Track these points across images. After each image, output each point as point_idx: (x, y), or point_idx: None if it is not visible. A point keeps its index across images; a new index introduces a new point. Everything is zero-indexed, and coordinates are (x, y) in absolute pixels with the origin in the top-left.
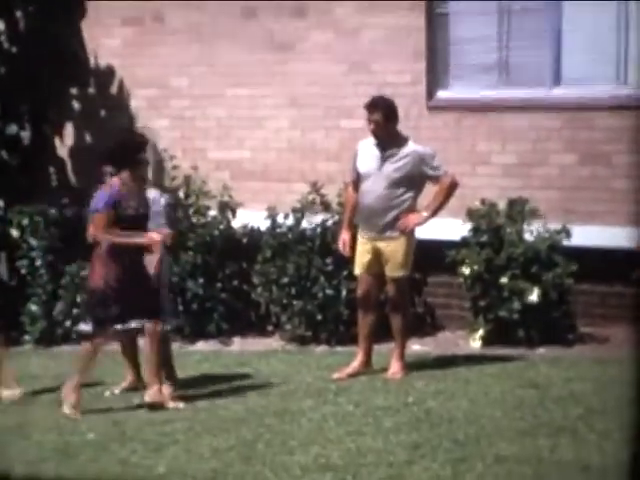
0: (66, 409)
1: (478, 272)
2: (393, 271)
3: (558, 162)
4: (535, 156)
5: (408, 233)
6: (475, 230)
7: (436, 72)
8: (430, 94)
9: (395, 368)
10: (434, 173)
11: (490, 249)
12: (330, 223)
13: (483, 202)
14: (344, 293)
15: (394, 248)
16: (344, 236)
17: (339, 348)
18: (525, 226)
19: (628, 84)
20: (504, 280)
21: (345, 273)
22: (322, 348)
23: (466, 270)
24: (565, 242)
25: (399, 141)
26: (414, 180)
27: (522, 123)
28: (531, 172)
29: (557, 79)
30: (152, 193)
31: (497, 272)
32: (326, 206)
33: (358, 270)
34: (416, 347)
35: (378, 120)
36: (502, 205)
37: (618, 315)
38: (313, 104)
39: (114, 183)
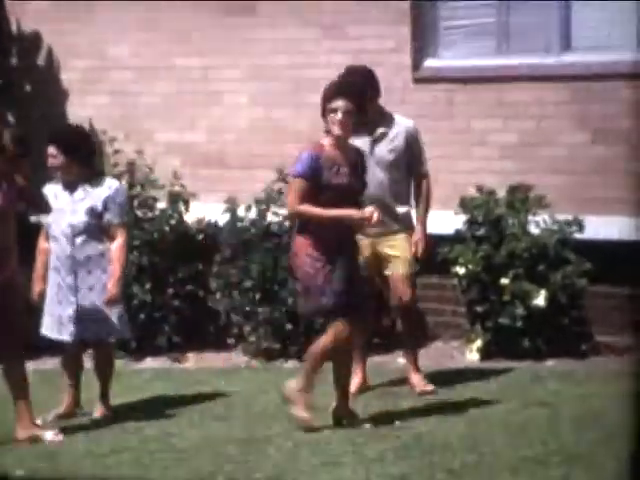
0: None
1: (475, 272)
2: (402, 268)
3: (568, 141)
4: (540, 135)
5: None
6: (470, 222)
7: (423, 37)
8: (416, 64)
9: (421, 381)
10: (421, 169)
11: (488, 245)
12: None
13: (480, 189)
14: None
15: (402, 242)
16: None
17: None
18: (530, 217)
19: None
20: (505, 281)
21: None
22: (292, 363)
23: (461, 270)
24: (577, 236)
25: (386, 118)
26: (409, 162)
27: (525, 96)
28: (536, 153)
29: (566, 45)
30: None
31: (497, 272)
32: None
33: None
34: (403, 360)
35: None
36: (502, 193)
37: None
38: (279, 76)
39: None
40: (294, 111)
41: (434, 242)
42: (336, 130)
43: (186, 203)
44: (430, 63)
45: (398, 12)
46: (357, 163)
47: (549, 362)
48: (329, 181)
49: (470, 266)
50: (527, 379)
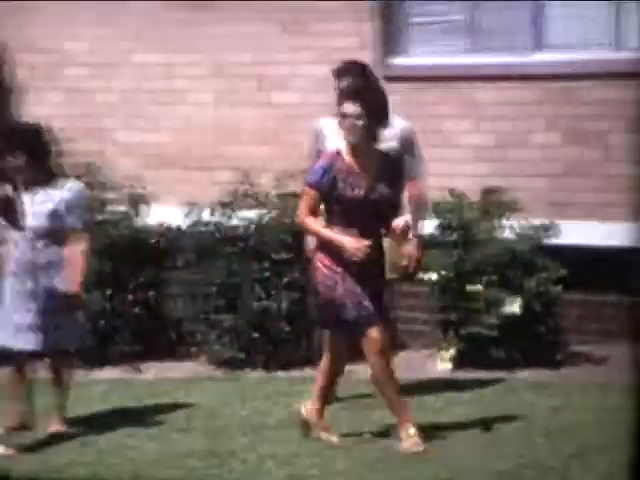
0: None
1: (447, 278)
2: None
3: (541, 143)
4: (513, 136)
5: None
6: (442, 227)
7: (391, 34)
8: (383, 61)
9: None
10: (415, 173)
11: (460, 250)
12: (266, 219)
13: (451, 193)
14: (285, 305)
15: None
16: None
17: (280, 373)
18: (503, 222)
19: (624, 48)
20: (478, 288)
21: (285, 281)
22: (258, 373)
23: (433, 276)
24: (552, 241)
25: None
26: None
27: (497, 96)
28: (509, 155)
29: (539, 43)
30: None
31: (469, 278)
32: (260, 199)
33: None
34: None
35: None
36: (474, 196)
37: (617, 330)
38: (241, 74)
39: None
40: (257, 111)
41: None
42: (349, 138)
43: (146, 206)
44: (399, 61)
45: (365, 8)
46: (382, 169)
47: (523, 372)
48: (343, 193)
49: (442, 272)
50: (501, 390)
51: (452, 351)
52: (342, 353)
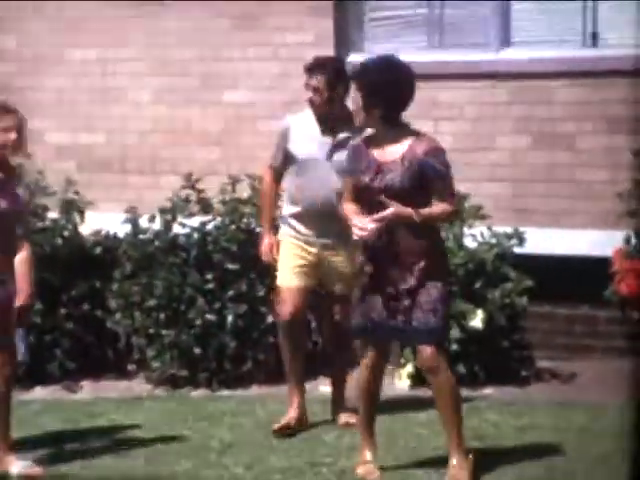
0: None
1: None
2: (346, 286)
3: (507, 146)
4: (477, 139)
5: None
6: None
7: (347, 29)
8: (338, 57)
9: (345, 413)
10: None
11: None
12: (211, 227)
13: None
14: (230, 319)
15: (348, 257)
16: (269, 239)
17: (225, 392)
18: (465, 229)
19: (598, 45)
20: None
21: (231, 293)
22: (201, 392)
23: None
24: (517, 250)
25: (351, 118)
26: None
27: (460, 96)
28: (472, 159)
29: (505, 39)
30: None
31: None
32: (205, 205)
33: (286, 281)
34: (324, 389)
35: (321, 87)
36: None
37: (587, 345)
38: (185, 71)
39: None
40: (202, 110)
41: None
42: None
43: (81, 213)
44: (355, 58)
45: (319, 2)
46: (405, 157)
47: (487, 390)
48: (366, 181)
49: None
50: (463, 409)
51: (410, 367)
52: (378, 363)
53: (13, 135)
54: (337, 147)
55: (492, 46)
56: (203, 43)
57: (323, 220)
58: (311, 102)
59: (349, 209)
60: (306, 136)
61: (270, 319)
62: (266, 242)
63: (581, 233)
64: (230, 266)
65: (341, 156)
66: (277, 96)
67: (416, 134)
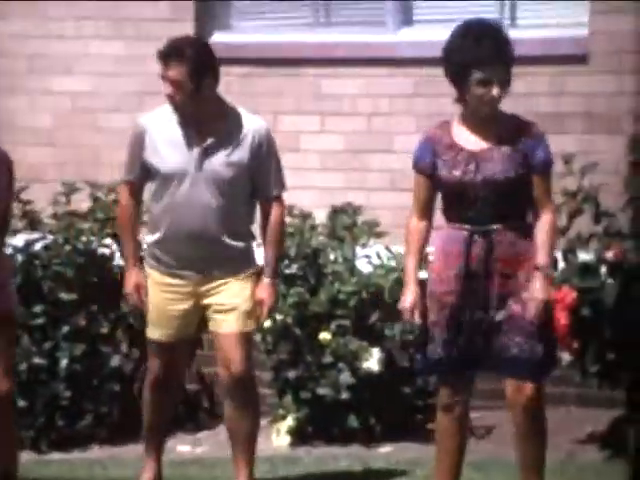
0: None
1: (285, 324)
2: (237, 324)
3: (409, 148)
4: (372, 138)
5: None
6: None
7: (210, 4)
8: (201, 38)
9: None
10: (271, 191)
11: (303, 287)
12: (39, 247)
13: (290, 212)
14: (64, 363)
15: (237, 289)
16: (135, 278)
17: (55, 455)
18: (358, 249)
19: (517, 25)
20: (325, 336)
21: (66, 330)
22: (26, 455)
23: (265, 322)
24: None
25: (226, 116)
26: (255, 180)
27: (351, 86)
28: (366, 164)
29: (406, 18)
30: None
31: (315, 324)
32: (32, 220)
33: (154, 334)
34: (183, 448)
35: (182, 80)
36: (321, 217)
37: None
38: (13, 53)
39: None
40: (30, 101)
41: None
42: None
43: None
44: (219, 38)
45: None
46: (510, 143)
47: (384, 447)
48: (442, 174)
49: (278, 316)
50: (355, 471)
51: (291, 420)
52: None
53: None
54: (207, 152)
55: (389, 25)
56: (27, 16)
57: (197, 248)
58: (170, 99)
59: (411, 250)
60: (169, 143)
61: (115, 362)
62: (132, 282)
63: None
64: (64, 296)
65: (214, 163)
66: (122, 85)
67: (507, 115)
